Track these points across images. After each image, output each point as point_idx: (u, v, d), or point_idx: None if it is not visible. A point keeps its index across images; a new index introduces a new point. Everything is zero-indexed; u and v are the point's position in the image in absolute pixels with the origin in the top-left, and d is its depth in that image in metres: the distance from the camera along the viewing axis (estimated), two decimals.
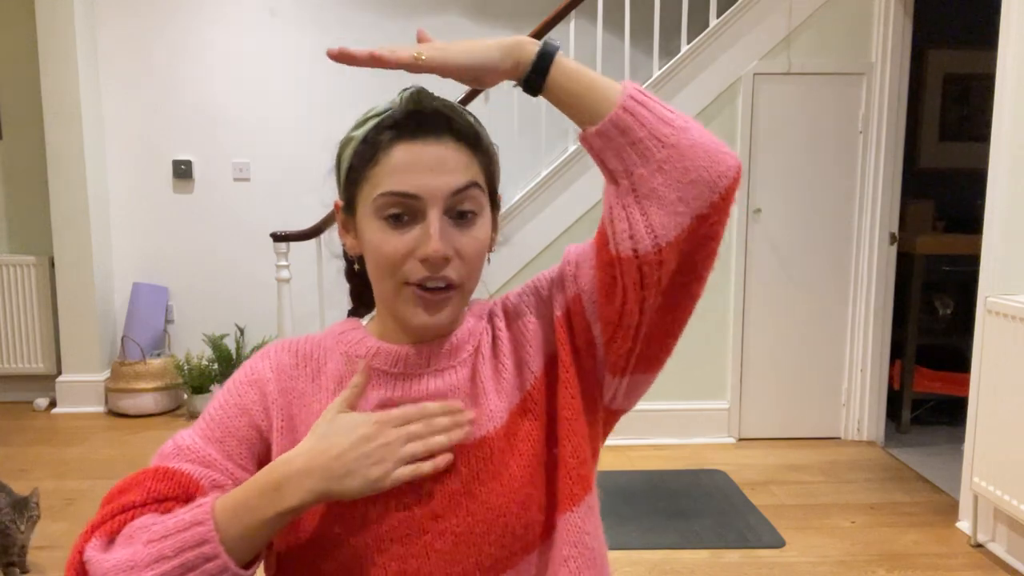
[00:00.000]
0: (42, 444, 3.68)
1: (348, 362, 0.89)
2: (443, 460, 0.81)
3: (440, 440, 0.81)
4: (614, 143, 0.78)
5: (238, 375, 0.91)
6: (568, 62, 0.79)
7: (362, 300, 0.97)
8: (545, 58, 0.78)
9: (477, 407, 0.86)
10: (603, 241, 0.82)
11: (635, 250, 0.78)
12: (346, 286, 1.00)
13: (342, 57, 0.77)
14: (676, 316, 0.84)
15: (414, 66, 0.78)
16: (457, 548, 0.81)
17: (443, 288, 0.83)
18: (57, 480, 3.22)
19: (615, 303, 0.81)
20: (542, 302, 0.91)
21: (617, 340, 0.83)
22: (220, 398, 0.89)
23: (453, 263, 0.82)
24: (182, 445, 0.85)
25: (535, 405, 0.87)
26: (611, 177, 0.80)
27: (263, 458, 0.87)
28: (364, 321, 0.95)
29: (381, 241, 0.82)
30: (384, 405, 0.86)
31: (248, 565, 0.79)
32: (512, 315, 0.92)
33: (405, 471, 0.79)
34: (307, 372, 0.89)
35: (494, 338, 0.91)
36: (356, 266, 0.91)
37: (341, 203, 0.89)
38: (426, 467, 0.80)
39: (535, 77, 0.79)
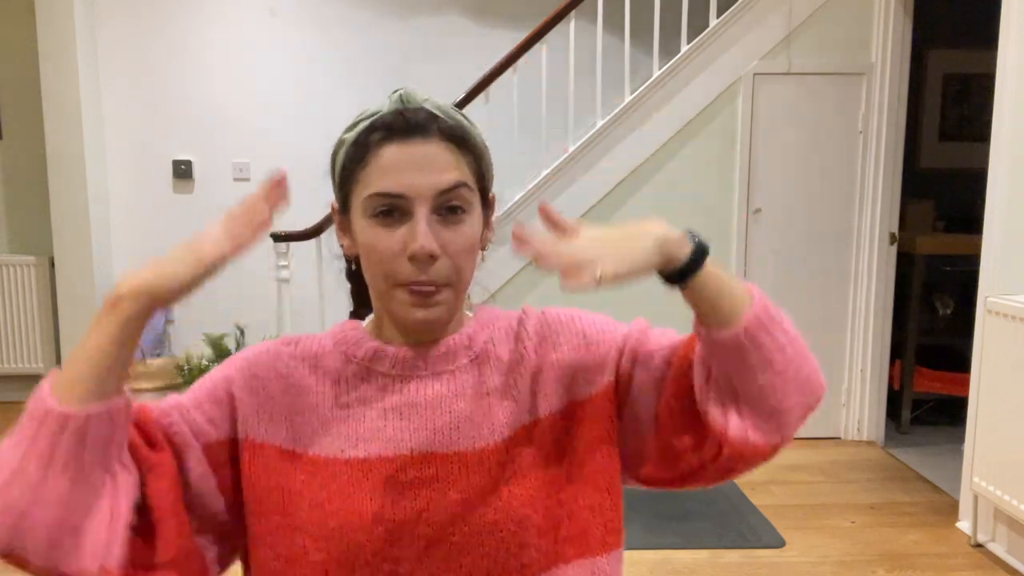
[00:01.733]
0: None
1: (347, 361, 0.89)
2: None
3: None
4: (728, 356, 0.79)
5: (236, 356, 0.93)
6: (710, 267, 0.79)
7: (362, 301, 0.97)
8: (697, 261, 0.78)
9: (479, 417, 0.86)
10: (687, 371, 0.84)
11: (709, 426, 0.82)
12: (346, 286, 1.00)
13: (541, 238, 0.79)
14: (706, 478, 0.87)
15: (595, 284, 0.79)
16: (449, 559, 0.81)
17: (432, 290, 0.84)
18: None
19: (664, 432, 0.85)
20: (589, 353, 0.90)
21: (645, 451, 0.88)
22: (215, 371, 0.92)
23: (441, 261, 0.82)
24: (169, 400, 0.89)
25: (543, 435, 0.87)
26: (706, 371, 0.82)
27: (230, 420, 0.88)
28: (364, 323, 0.95)
29: (372, 240, 0.83)
30: (384, 407, 0.86)
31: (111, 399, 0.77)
32: (546, 342, 0.91)
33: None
34: (304, 367, 0.89)
35: (519, 355, 0.90)
36: (353, 266, 0.92)
37: (337, 205, 0.90)
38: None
39: (682, 277, 0.79)
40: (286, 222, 3.66)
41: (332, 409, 0.87)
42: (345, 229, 0.90)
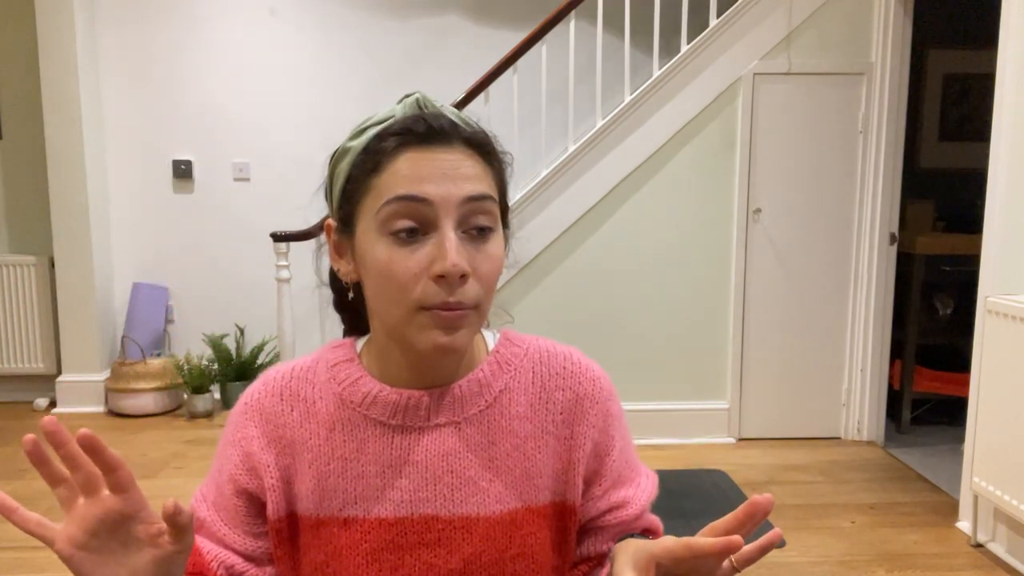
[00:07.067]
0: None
1: (341, 406, 0.80)
2: None
3: None
4: None
5: (226, 432, 0.85)
6: None
7: (357, 331, 0.88)
8: None
9: (486, 481, 0.80)
10: None
11: None
12: (335, 317, 0.91)
13: None
14: None
15: None
16: None
17: (460, 313, 0.75)
18: None
19: None
20: (602, 466, 0.85)
21: None
22: (217, 458, 0.86)
23: (470, 283, 0.73)
24: (200, 518, 0.83)
25: (553, 517, 0.82)
26: None
27: (264, 510, 0.83)
28: (359, 345, 0.85)
29: (389, 261, 0.72)
30: (383, 462, 0.79)
31: None
32: (604, 429, 0.84)
33: None
34: (295, 417, 0.81)
35: (543, 419, 0.82)
36: (351, 294, 0.82)
37: (334, 223, 0.80)
38: None
39: None
40: (286, 222, 3.67)
41: (329, 462, 0.79)
42: (343, 251, 0.79)
